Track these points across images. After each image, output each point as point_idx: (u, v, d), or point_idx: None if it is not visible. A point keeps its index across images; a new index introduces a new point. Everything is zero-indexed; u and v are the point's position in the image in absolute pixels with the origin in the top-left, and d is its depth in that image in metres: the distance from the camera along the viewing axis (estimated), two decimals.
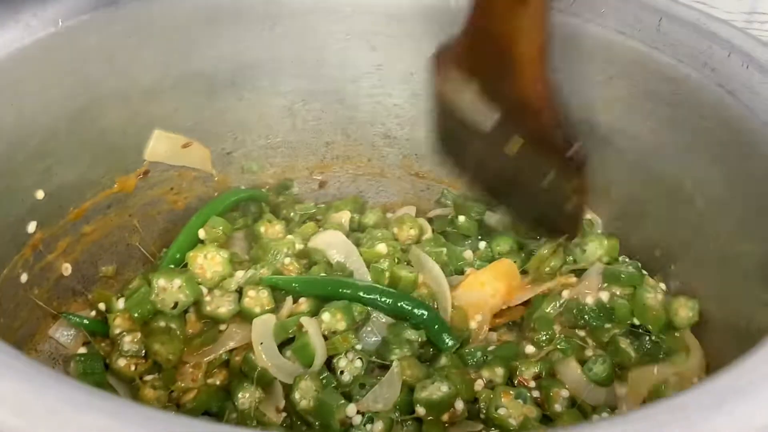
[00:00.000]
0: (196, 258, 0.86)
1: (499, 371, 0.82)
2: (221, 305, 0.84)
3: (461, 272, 0.92)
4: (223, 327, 0.85)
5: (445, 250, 0.93)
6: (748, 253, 0.76)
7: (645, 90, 0.83)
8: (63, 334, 0.87)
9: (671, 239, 0.87)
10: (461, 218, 0.98)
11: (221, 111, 0.95)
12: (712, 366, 0.81)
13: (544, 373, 0.82)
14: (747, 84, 0.75)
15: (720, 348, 0.80)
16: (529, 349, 0.85)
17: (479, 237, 0.97)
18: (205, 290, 0.85)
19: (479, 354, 0.84)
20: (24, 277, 0.82)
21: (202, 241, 0.92)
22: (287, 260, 0.89)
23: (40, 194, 0.82)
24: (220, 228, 0.92)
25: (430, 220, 1.02)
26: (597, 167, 0.92)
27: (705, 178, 0.81)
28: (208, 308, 0.84)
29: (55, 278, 0.87)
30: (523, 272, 0.91)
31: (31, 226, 0.82)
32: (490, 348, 0.85)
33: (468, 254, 0.94)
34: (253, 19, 0.92)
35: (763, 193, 0.74)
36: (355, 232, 0.97)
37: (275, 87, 0.97)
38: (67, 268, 0.88)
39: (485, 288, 0.88)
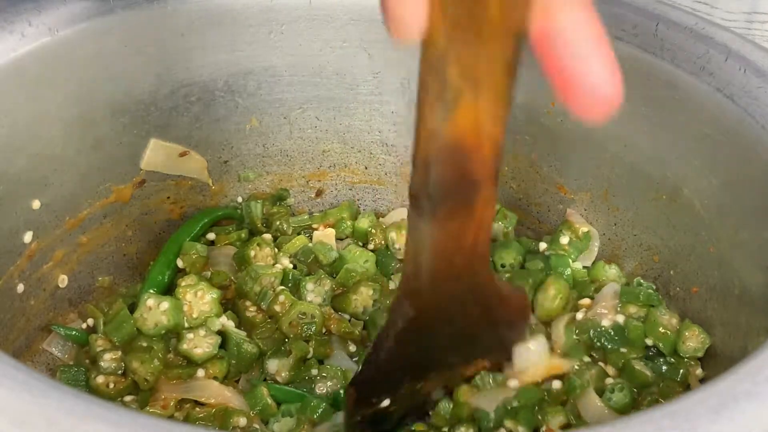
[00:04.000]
0: (186, 293, 0.84)
1: (522, 430, 0.74)
2: (199, 345, 0.82)
3: None
4: (201, 373, 0.81)
5: None
6: (749, 270, 0.75)
7: (642, 95, 0.83)
8: (58, 346, 0.86)
9: (670, 246, 0.87)
10: None
11: (217, 119, 0.95)
12: None
13: (573, 419, 0.76)
14: (745, 88, 0.75)
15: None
16: (556, 383, 0.78)
17: None
18: (186, 324, 0.83)
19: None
20: (20, 288, 0.82)
21: (182, 269, 0.91)
22: (278, 299, 0.86)
23: (36, 204, 0.82)
24: (195, 253, 0.91)
25: None
26: (593, 174, 0.92)
27: (703, 183, 0.81)
28: (185, 346, 0.81)
29: (52, 289, 0.87)
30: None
31: (27, 236, 0.82)
32: (512, 394, 0.76)
33: None
34: (249, 27, 0.91)
35: (762, 198, 0.73)
36: (347, 238, 0.97)
37: (271, 95, 0.96)
38: (63, 280, 0.87)
39: None
